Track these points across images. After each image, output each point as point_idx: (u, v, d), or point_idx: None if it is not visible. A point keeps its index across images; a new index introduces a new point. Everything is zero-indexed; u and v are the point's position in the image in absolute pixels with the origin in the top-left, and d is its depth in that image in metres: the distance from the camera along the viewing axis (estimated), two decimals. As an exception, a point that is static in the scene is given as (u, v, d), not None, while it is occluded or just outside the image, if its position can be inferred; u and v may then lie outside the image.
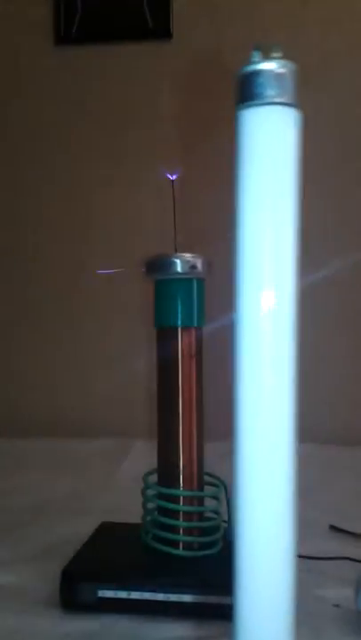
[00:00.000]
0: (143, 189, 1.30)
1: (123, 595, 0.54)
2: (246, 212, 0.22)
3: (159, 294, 0.59)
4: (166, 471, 0.60)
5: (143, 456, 1.12)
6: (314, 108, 1.27)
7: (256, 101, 0.20)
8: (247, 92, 0.21)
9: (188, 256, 0.57)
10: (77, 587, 0.54)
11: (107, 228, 1.35)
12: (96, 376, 1.35)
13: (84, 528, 0.70)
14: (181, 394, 0.59)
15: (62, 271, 1.36)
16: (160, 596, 0.54)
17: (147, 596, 0.54)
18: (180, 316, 0.58)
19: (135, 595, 0.54)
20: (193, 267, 0.57)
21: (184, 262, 0.57)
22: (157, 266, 0.58)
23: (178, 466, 0.59)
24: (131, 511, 0.66)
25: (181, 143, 1.26)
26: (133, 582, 0.54)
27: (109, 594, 0.54)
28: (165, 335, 0.59)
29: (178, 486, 0.59)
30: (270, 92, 0.20)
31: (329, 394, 1.28)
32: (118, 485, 0.99)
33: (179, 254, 0.57)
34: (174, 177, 0.50)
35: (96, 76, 1.35)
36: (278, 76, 0.20)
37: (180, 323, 0.58)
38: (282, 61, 0.21)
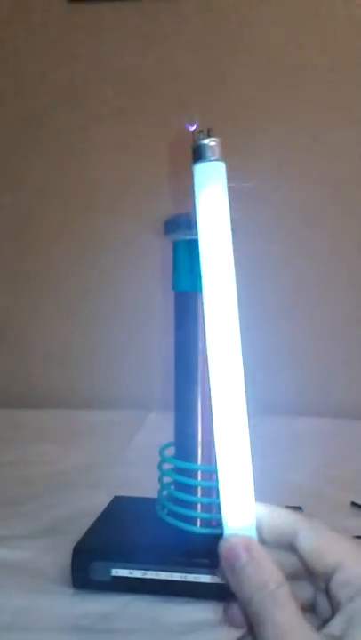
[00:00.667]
0: (160, 148, 1.25)
1: (138, 574, 0.51)
2: (201, 221, 0.37)
3: (178, 255, 0.55)
4: (184, 444, 0.57)
5: (157, 428, 1.10)
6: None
7: (200, 160, 0.36)
8: (196, 155, 0.36)
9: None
10: (90, 565, 0.52)
11: (122, 190, 1.30)
12: (110, 345, 1.31)
13: (97, 501, 0.67)
14: (201, 362, 0.55)
15: (75, 237, 1.32)
16: (177, 576, 0.51)
17: (163, 575, 0.51)
18: (200, 279, 0.54)
19: (151, 574, 0.51)
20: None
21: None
22: (177, 225, 0.53)
23: (196, 438, 0.56)
24: (144, 484, 0.63)
25: (198, 100, 1.21)
26: (149, 561, 0.51)
27: (124, 572, 0.51)
28: (185, 300, 0.55)
29: (196, 460, 0.56)
30: (207, 154, 0.36)
31: (345, 368, 1.25)
32: (132, 457, 0.96)
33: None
34: (194, 127, 0.46)
35: (111, 34, 1.29)
36: (212, 146, 0.36)
37: (200, 287, 0.54)
38: (213, 138, 0.36)
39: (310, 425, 1.12)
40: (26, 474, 0.88)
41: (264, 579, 0.30)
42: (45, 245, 1.33)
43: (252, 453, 0.34)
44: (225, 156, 0.37)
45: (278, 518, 0.34)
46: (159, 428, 1.09)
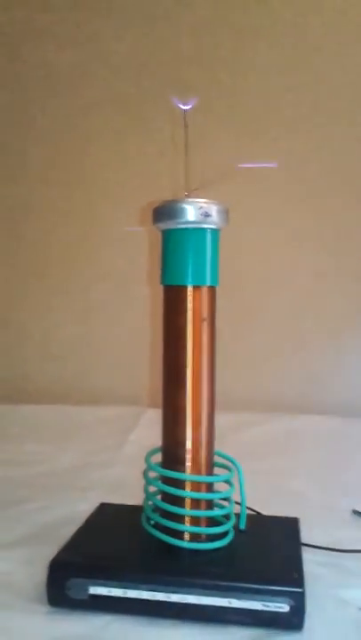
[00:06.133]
0: (151, 136, 1.21)
1: (118, 593, 0.47)
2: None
3: (167, 247, 0.51)
4: (171, 452, 0.52)
5: (154, 426, 1.06)
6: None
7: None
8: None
9: (200, 202, 0.48)
10: (66, 582, 0.47)
11: (113, 178, 1.25)
12: (106, 341, 1.27)
13: (86, 506, 0.63)
14: (190, 363, 0.51)
15: (73, 227, 1.27)
16: (160, 596, 0.46)
17: (145, 595, 0.47)
18: (190, 272, 0.49)
19: (132, 593, 0.47)
20: (206, 214, 0.48)
21: (196, 209, 0.48)
22: (165, 213, 0.49)
23: (184, 446, 0.51)
24: (138, 488, 0.59)
25: (201, 84, 1.17)
26: (129, 578, 0.47)
27: (102, 591, 0.47)
28: (173, 295, 0.51)
29: (184, 469, 0.51)
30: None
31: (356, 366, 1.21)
32: (126, 458, 0.92)
33: (190, 199, 0.49)
34: (188, 107, 0.41)
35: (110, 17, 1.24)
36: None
37: (190, 281, 0.50)
38: None
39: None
40: (15, 474, 0.84)
41: None
42: (43, 236, 1.29)
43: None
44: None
45: None
46: (156, 427, 1.05)
